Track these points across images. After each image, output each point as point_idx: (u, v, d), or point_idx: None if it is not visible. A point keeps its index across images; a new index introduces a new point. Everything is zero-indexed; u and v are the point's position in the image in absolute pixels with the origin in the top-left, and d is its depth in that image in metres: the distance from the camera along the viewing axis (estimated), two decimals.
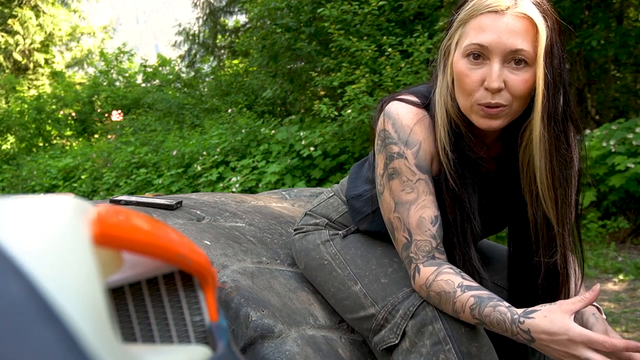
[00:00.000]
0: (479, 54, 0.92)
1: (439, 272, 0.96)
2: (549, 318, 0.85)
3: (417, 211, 0.99)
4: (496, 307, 0.90)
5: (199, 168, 5.62)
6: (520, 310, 0.89)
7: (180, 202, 1.42)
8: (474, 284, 0.95)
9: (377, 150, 1.05)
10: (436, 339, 0.95)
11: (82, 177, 7.31)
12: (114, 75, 11.63)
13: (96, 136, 10.77)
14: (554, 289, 1.07)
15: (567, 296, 1.07)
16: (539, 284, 1.06)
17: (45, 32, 14.51)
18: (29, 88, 13.73)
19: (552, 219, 1.00)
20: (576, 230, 1.06)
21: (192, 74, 10.76)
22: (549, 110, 0.92)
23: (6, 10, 14.04)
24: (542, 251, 1.04)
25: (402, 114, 1.01)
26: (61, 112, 11.10)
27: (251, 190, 4.91)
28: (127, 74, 11.66)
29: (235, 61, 10.27)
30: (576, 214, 1.05)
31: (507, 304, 0.91)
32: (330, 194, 1.30)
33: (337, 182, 1.34)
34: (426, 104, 1.03)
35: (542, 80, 0.90)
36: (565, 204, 0.99)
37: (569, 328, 0.83)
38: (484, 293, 0.93)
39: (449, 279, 0.95)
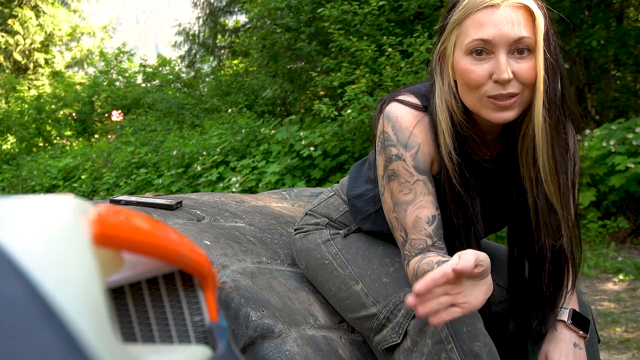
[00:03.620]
0: (482, 50, 0.92)
1: (422, 258, 0.97)
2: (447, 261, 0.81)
3: (413, 211, 1.00)
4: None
5: (199, 168, 5.62)
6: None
7: (180, 202, 1.42)
8: (450, 257, 0.95)
9: (377, 152, 1.05)
10: (438, 338, 0.95)
11: (82, 177, 7.31)
12: (114, 75, 11.63)
13: (96, 136, 10.78)
14: (559, 273, 1.07)
15: (570, 279, 1.08)
16: (546, 268, 1.07)
17: (45, 32, 14.51)
18: (29, 88, 13.73)
19: (555, 203, 1.00)
20: (575, 220, 1.07)
21: (192, 74, 10.76)
22: (549, 94, 0.93)
23: (6, 10, 14.04)
24: (546, 236, 1.04)
25: (401, 116, 1.01)
26: (61, 112, 11.11)
27: (251, 190, 4.91)
28: (127, 74, 11.66)
29: (235, 61, 10.27)
30: (574, 202, 1.05)
31: None
32: (331, 194, 1.30)
33: (337, 182, 1.35)
34: (426, 105, 1.03)
35: (542, 66, 0.91)
36: (567, 187, 1.00)
37: (474, 253, 0.80)
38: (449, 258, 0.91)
39: (429, 261, 0.95)
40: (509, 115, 0.95)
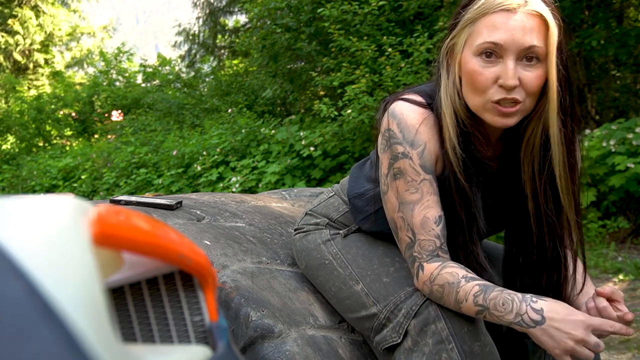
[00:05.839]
0: (491, 52, 0.93)
1: (444, 267, 0.97)
2: (560, 303, 0.90)
3: (421, 211, 0.99)
4: (504, 290, 0.92)
5: (199, 168, 5.62)
6: (529, 294, 0.92)
7: (180, 202, 1.42)
8: (477, 276, 0.97)
9: (380, 150, 1.04)
10: (439, 338, 0.95)
11: (82, 177, 7.31)
12: (114, 75, 11.63)
13: (96, 136, 10.78)
14: (558, 280, 1.07)
15: (570, 287, 1.08)
16: (545, 274, 1.08)
17: (45, 32, 14.51)
18: (29, 88, 13.73)
19: (568, 212, 1.02)
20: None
21: (192, 74, 10.76)
22: (563, 105, 0.94)
23: (6, 10, 14.04)
24: (550, 241, 1.05)
25: (407, 114, 1.01)
26: (61, 112, 11.10)
27: (251, 190, 4.91)
28: (127, 74, 11.66)
29: (235, 61, 10.27)
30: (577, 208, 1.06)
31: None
32: (331, 194, 1.30)
33: (337, 182, 1.35)
34: (430, 104, 1.03)
35: (555, 77, 0.92)
36: (577, 195, 1.03)
37: (583, 312, 0.89)
38: (489, 283, 0.95)
39: (454, 271, 0.96)
40: (509, 121, 0.95)
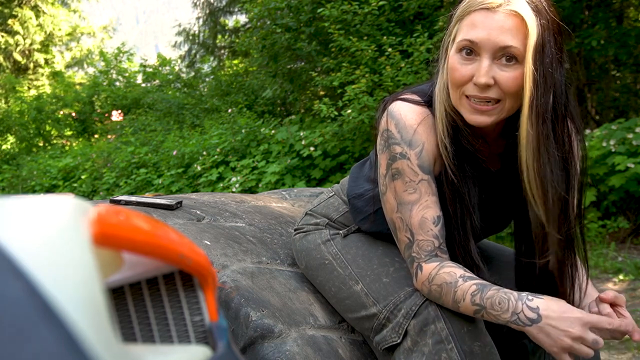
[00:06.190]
0: (470, 50, 0.93)
1: (442, 266, 0.97)
2: (556, 300, 0.90)
3: (419, 211, 0.99)
4: (500, 289, 0.92)
5: (199, 168, 5.62)
6: (525, 293, 0.92)
7: (180, 202, 1.42)
8: (476, 276, 0.97)
9: (379, 150, 1.04)
10: (438, 338, 0.95)
11: (82, 177, 7.31)
12: (114, 75, 11.63)
13: (96, 136, 10.78)
14: (553, 291, 1.06)
15: (573, 293, 1.07)
16: (549, 282, 1.06)
17: (45, 32, 14.51)
18: (29, 88, 13.73)
19: (542, 219, 0.98)
20: (579, 230, 1.04)
21: (192, 74, 10.76)
22: (537, 108, 0.91)
23: (6, 10, 14.05)
24: (539, 252, 1.04)
25: (405, 114, 1.01)
26: (61, 112, 11.11)
27: (251, 190, 4.91)
28: (127, 74, 11.66)
29: (235, 61, 10.27)
30: (579, 214, 1.04)
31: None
32: (331, 194, 1.30)
33: (337, 182, 1.35)
34: (429, 102, 1.03)
35: (530, 78, 0.90)
36: (556, 205, 0.97)
37: (580, 309, 0.88)
38: (487, 282, 0.95)
39: (452, 271, 0.96)
40: (484, 120, 0.95)
